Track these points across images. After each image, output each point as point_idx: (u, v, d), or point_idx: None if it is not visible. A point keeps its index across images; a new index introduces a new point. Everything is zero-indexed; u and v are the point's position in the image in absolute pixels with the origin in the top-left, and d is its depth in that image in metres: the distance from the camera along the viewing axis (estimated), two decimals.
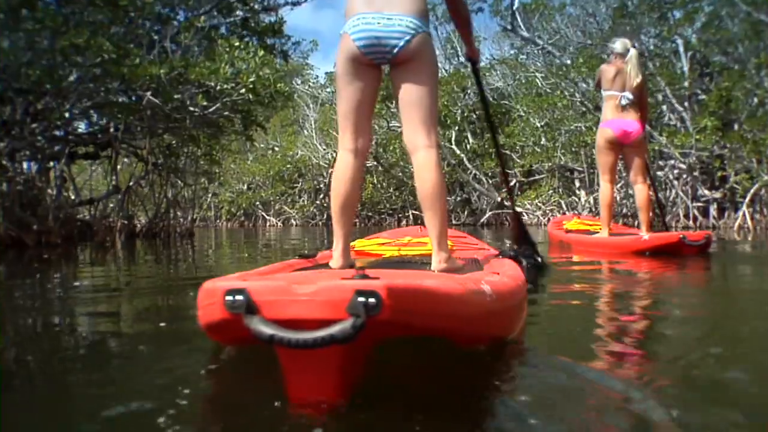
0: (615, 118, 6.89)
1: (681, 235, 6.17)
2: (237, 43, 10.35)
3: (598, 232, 7.58)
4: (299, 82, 36.74)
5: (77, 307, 3.75)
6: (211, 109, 10.43)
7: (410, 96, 2.86)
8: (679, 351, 2.25)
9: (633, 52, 6.90)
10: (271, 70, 10.32)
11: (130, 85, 10.02)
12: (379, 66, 2.93)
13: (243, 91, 10.20)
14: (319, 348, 1.41)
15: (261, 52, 10.42)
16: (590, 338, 2.47)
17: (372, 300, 1.41)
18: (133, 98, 10.92)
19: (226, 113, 11.02)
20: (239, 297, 1.50)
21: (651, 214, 7.07)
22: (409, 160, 3.01)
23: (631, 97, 6.81)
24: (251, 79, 9.97)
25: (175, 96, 10.06)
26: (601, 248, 6.97)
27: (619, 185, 16.79)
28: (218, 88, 10.09)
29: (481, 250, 3.96)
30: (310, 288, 1.48)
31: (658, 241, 6.31)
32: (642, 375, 1.96)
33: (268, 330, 1.44)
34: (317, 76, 40.25)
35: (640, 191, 6.96)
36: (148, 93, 10.31)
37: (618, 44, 7.04)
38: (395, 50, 2.80)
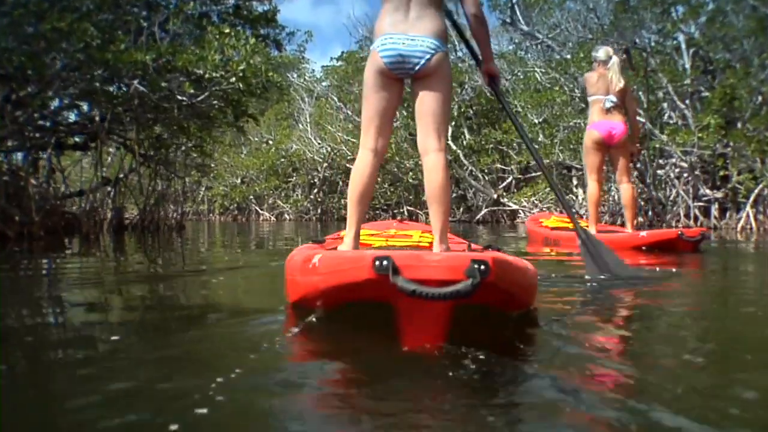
0: (601, 120, 7.35)
1: (679, 232, 6.66)
2: (227, 30, 9.95)
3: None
4: (295, 75, 36.38)
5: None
6: (199, 98, 10.05)
7: (427, 106, 3.31)
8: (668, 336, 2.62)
9: (615, 59, 7.35)
10: (262, 58, 9.95)
11: (115, 72, 9.62)
12: (402, 79, 3.39)
13: (233, 79, 9.85)
14: (448, 300, 1.92)
15: (252, 40, 10.06)
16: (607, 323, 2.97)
17: (483, 267, 1.90)
18: (121, 87, 10.56)
19: (215, 102, 10.62)
20: (386, 262, 1.95)
21: (634, 211, 7.57)
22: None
23: (615, 100, 7.27)
24: (241, 68, 9.60)
25: (163, 84, 9.68)
26: None
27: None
28: (207, 76, 9.71)
29: (460, 244, 4.16)
30: (436, 257, 2.01)
31: (657, 237, 6.84)
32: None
33: (410, 286, 1.90)
34: (313, 70, 39.95)
35: (626, 190, 7.45)
36: (135, 81, 9.97)
37: (601, 52, 7.53)
38: (417, 67, 3.25)
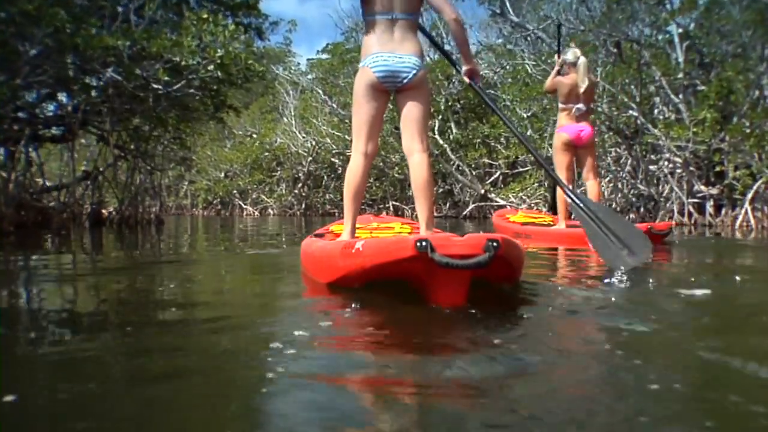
0: (569, 124, 7.89)
1: (649, 226, 6.97)
2: (205, 16, 9.41)
3: (549, 225, 8.79)
4: (281, 69, 35.86)
5: None
6: (175, 87, 9.53)
7: (411, 113, 3.91)
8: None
9: (582, 59, 7.88)
10: (241, 45, 9.43)
11: (86, 59, 9.07)
12: (388, 91, 3.95)
13: (211, 67, 9.33)
14: (472, 269, 2.58)
15: (232, 27, 9.54)
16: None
17: (495, 244, 2.57)
18: (94, 74, 10.01)
19: (192, 91, 10.06)
20: (425, 243, 2.54)
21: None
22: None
23: (583, 108, 7.86)
24: (219, 54, 9.08)
25: (137, 71, 9.14)
26: (566, 239, 7.52)
27: (607, 179, 16.50)
28: (183, 63, 9.17)
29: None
30: (460, 238, 2.63)
31: None
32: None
33: (444, 259, 2.53)
34: (299, 63, 39.48)
35: (592, 186, 7.97)
36: (110, 70, 9.45)
37: (570, 54, 8.01)
38: (404, 80, 3.85)
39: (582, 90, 7.78)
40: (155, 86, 9.62)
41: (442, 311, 2.69)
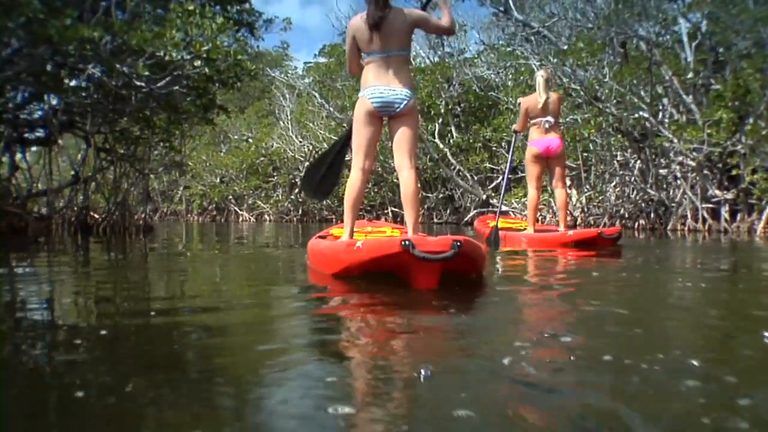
0: (540, 138, 8.54)
1: (599, 231, 7.90)
2: (191, 8, 8.72)
3: (524, 230, 9.22)
4: (278, 72, 35.22)
5: None
6: (159, 84, 8.85)
7: (402, 136, 4.61)
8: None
9: (538, 74, 8.66)
10: (228, 37, 8.76)
11: (60, 52, 8.38)
12: (382, 117, 4.66)
13: (198, 63, 8.66)
14: (441, 261, 3.47)
15: (220, 19, 8.86)
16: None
17: (459, 243, 3.48)
18: (72, 71, 9.34)
19: (177, 88, 9.35)
20: (408, 242, 3.43)
21: (566, 212, 8.80)
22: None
23: (552, 120, 8.47)
24: (205, 48, 8.41)
25: (117, 66, 8.44)
26: (534, 242, 8.29)
27: (612, 184, 15.93)
28: (167, 57, 8.50)
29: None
30: (434, 239, 3.55)
31: (581, 235, 8.01)
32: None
33: (421, 254, 3.42)
34: (296, 67, 38.91)
35: (560, 194, 8.66)
36: (90, 66, 8.80)
37: (537, 76, 8.69)
38: (397, 109, 4.55)
39: (540, 105, 8.40)
40: (138, 83, 8.93)
41: (421, 292, 3.58)
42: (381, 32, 4.48)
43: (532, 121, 8.64)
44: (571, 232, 8.21)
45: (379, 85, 4.51)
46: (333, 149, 5.54)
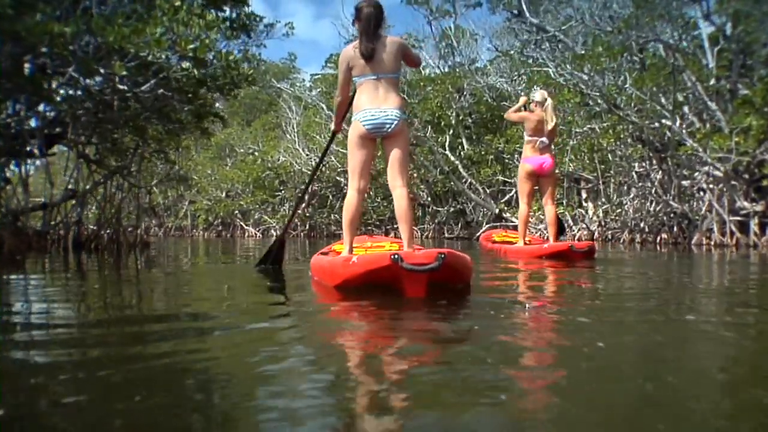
0: (533, 156, 8.92)
1: (570, 245, 8.44)
2: (178, 3, 7.97)
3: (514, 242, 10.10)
4: (286, 85, 34.63)
5: None
6: (144, 87, 8.11)
7: (394, 155, 4.84)
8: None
9: (549, 101, 8.80)
10: (216, 35, 8.01)
11: (28, 49, 7.65)
12: (375, 138, 4.90)
13: (185, 64, 7.94)
14: (427, 273, 3.70)
15: (210, 16, 8.14)
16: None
17: (443, 255, 3.71)
18: (52, 75, 8.64)
19: (162, 91, 8.57)
20: (396, 256, 3.70)
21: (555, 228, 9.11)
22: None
23: (546, 141, 8.88)
24: (191, 46, 7.67)
25: (96, 67, 7.70)
26: (520, 254, 9.01)
27: (630, 196, 15.12)
28: (149, 57, 7.76)
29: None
30: (421, 251, 3.89)
31: (553, 248, 8.40)
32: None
33: (409, 266, 3.68)
34: (303, 79, 38.32)
35: (550, 211, 9.04)
36: (71, 69, 8.09)
37: (537, 95, 8.99)
38: (388, 130, 4.76)
39: (549, 128, 8.77)
40: (120, 86, 8.20)
41: (410, 300, 3.79)
42: (373, 60, 4.74)
43: (528, 139, 9.01)
44: (546, 245, 8.72)
45: (370, 108, 4.71)
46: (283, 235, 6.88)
